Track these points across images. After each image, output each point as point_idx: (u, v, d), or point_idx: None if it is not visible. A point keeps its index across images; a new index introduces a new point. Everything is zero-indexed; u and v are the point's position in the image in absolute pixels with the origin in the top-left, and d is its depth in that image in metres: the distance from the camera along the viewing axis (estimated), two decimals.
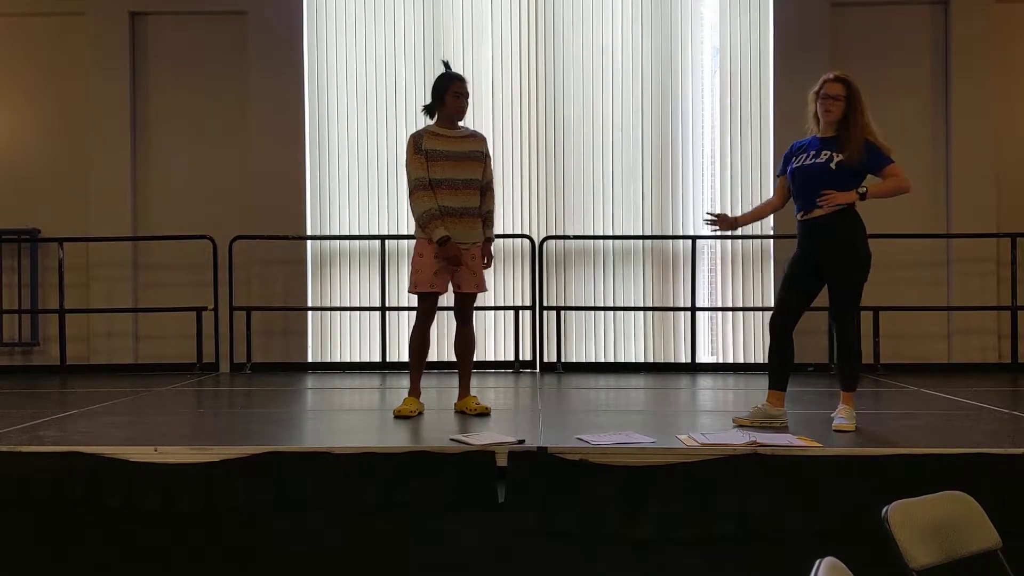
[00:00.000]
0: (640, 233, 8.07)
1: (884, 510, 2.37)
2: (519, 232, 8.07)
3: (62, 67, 8.25)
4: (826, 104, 4.44)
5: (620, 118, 8.13)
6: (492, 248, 5.17)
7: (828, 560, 1.93)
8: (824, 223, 4.43)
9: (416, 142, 4.95)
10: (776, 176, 4.59)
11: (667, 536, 3.71)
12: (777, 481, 3.74)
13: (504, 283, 8.12)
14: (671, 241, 8.09)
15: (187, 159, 8.20)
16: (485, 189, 5.11)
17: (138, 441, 4.19)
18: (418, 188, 4.88)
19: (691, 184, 8.13)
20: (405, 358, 7.99)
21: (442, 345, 7.84)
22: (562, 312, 7.93)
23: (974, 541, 2.46)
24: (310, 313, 8.15)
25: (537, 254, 7.85)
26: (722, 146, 8.09)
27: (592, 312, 8.08)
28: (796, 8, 7.95)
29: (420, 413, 5.02)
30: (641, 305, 8.09)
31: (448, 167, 4.92)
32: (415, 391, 5.11)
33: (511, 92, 8.15)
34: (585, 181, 8.14)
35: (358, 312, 8.09)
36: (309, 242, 8.14)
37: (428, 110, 5.11)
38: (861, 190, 4.39)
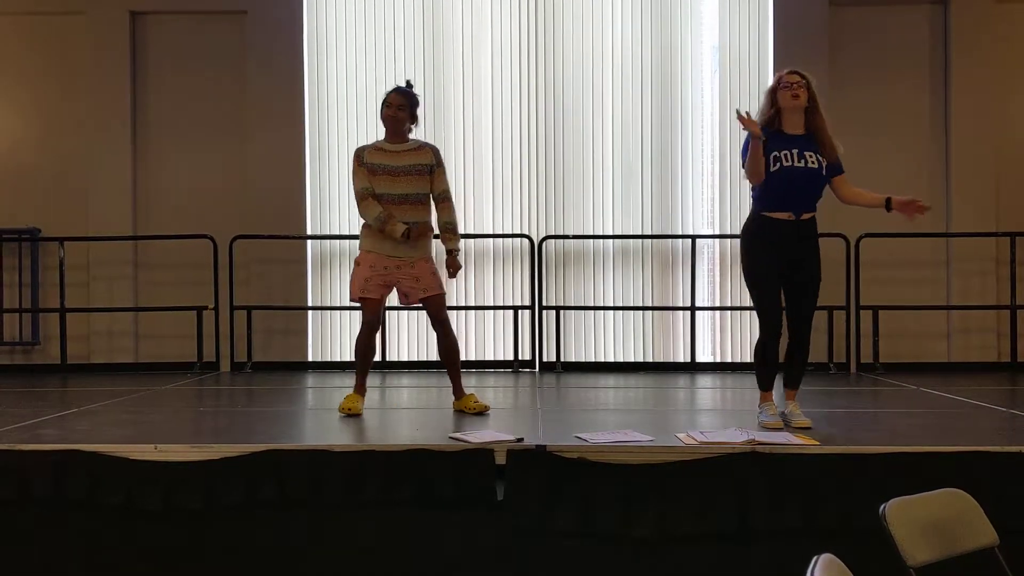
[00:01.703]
0: (639, 232, 8.08)
1: (882, 508, 2.38)
2: (518, 232, 8.08)
3: (62, 66, 8.25)
4: (794, 90, 4.39)
5: (620, 117, 8.13)
6: (461, 258, 5.19)
7: (825, 557, 1.94)
8: (808, 224, 4.45)
9: (359, 155, 5.08)
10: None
11: (666, 534, 3.71)
12: (775, 479, 3.75)
13: (503, 283, 8.13)
14: (670, 240, 8.09)
15: (187, 158, 8.20)
16: (439, 200, 5.14)
17: (138, 439, 4.19)
18: (363, 197, 5.00)
19: (691, 183, 8.14)
20: (404, 357, 8.05)
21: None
22: (561, 311, 7.93)
23: (972, 539, 2.46)
24: (310, 312, 8.15)
25: (536, 253, 7.86)
26: (722, 145, 8.10)
27: (591, 311, 8.08)
28: (795, 7, 7.96)
29: (359, 414, 5.00)
30: (640, 304, 8.09)
31: (385, 181, 4.99)
32: (360, 389, 5.12)
33: (510, 91, 8.16)
34: (584, 180, 8.15)
35: (358, 311, 8.07)
36: (309, 241, 8.15)
37: None
38: (888, 199, 4.54)
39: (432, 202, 5.15)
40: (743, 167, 4.52)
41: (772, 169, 4.41)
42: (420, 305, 5.16)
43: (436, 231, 5.21)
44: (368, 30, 8.20)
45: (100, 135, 8.14)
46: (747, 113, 4.39)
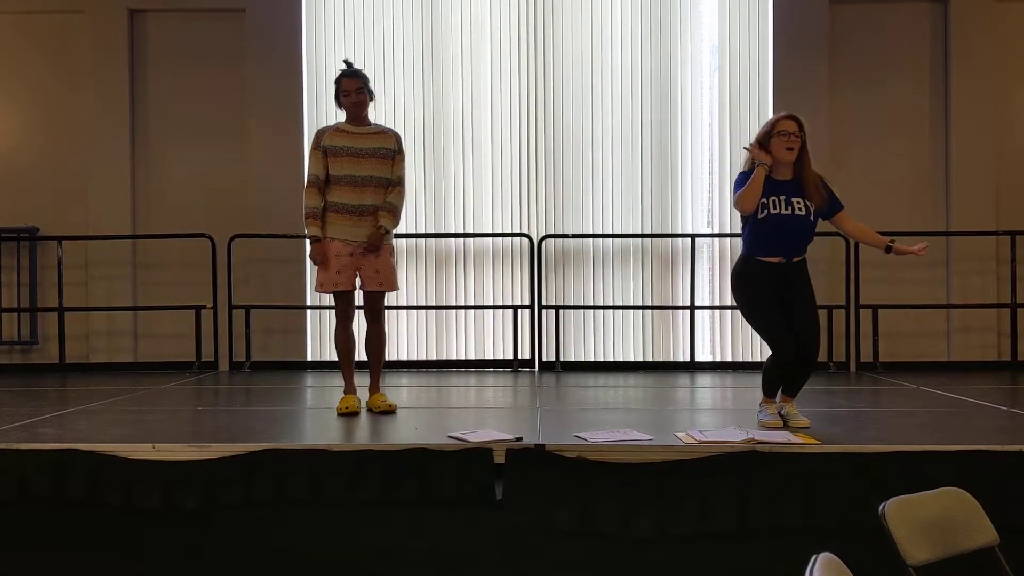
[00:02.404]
0: (639, 231, 8.07)
1: (882, 507, 2.37)
2: (518, 231, 8.07)
3: (61, 64, 8.24)
4: (789, 141, 4.35)
5: (619, 116, 8.13)
6: (390, 240, 5.13)
7: (825, 556, 1.93)
8: (799, 264, 4.49)
9: (317, 139, 5.07)
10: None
11: (665, 534, 3.71)
12: (775, 478, 3.75)
13: (503, 282, 8.13)
14: (670, 239, 8.09)
15: (186, 156, 8.20)
16: (392, 183, 5.07)
17: (137, 439, 4.19)
18: (309, 183, 5.03)
19: (690, 182, 8.13)
20: (403, 356, 8.03)
21: (441, 345, 7.84)
22: (561, 311, 7.92)
23: (972, 538, 2.46)
24: (309, 311, 8.14)
25: (536, 253, 7.85)
26: (721, 144, 8.09)
27: (591, 311, 8.08)
28: (795, 6, 7.95)
29: (357, 412, 4.99)
30: (640, 304, 8.09)
31: (348, 163, 4.98)
32: (350, 388, 5.13)
33: (510, 90, 8.15)
34: (584, 179, 8.14)
35: (357, 310, 8.07)
36: (308, 240, 8.12)
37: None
38: (889, 245, 4.53)
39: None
40: (734, 196, 4.51)
41: (759, 216, 4.41)
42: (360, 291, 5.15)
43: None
44: (367, 28, 8.19)
45: (99, 134, 8.13)
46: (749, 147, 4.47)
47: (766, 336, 4.50)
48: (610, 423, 4.57)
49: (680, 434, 4.16)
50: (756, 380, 6.21)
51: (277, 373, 7.52)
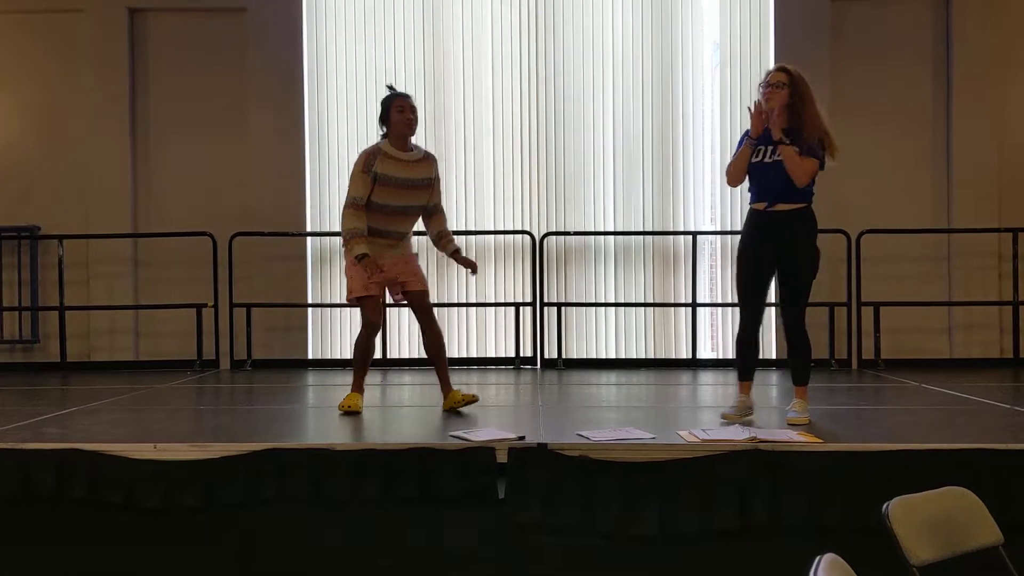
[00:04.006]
0: (641, 229, 8.06)
1: (885, 506, 2.36)
2: (519, 228, 8.06)
3: (62, 64, 8.23)
4: (768, 92, 4.44)
5: (620, 114, 8.11)
6: (465, 249, 5.28)
7: (828, 556, 1.92)
8: (787, 216, 4.45)
9: (368, 162, 4.90)
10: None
11: (667, 532, 3.70)
12: (778, 477, 3.74)
13: (504, 279, 8.12)
14: (672, 237, 8.08)
15: (187, 155, 8.19)
16: (434, 211, 5.13)
17: (138, 438, 4.19)
18: (352, 205, 4.90)
19: (692, 180, 8.11)
20: (406, 354, 8.03)
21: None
22: (563, 308, 7.92)
23: (975, 537, 2.45)
24: (310, 309, 8.14)
25: (537, 250, 7.84)
26: (723, 141, 8.07)
27: (593, 308, 8.07)
28: (797, 2, 7.93)
29: (360, 412, 4.99)
30: (642, 301, 8.08)
31: (394, 194, 4.92)
32: (359, 388, 5.09)
33: (511, 88, 8.14)
34: (585, 177, 8.13)
35: (358, 309, 8.07)
36: (309, 238, 8.13)
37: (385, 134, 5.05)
38: (784, 141, 4.39)
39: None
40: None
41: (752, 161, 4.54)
42: (401, 300, 5.17)
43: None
44: (368, 27, 8.18)
45: (99, 133, 8.12)
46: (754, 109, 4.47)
47: (736, 292, 4.68)
48: (612, 421, 4.56)
49: (682, 433, 4.15)
50: (759, 378, 6.20)
51: (279, 372, 7.52)
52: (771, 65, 7.89)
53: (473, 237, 8.02)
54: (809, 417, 4.48)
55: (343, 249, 5.07)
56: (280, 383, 6.77)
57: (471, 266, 5.15)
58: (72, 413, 5.14)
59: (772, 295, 5.07)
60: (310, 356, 8.09)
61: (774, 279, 4.61)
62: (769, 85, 4.45)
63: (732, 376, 7.08)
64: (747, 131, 4.53)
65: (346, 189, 5.01)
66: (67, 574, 3.93)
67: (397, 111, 4.93)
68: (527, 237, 7.98)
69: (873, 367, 7.45)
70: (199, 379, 7.10)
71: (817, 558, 1.91)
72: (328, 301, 8.14)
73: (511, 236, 8.08)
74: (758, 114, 4.45)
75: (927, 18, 8.07)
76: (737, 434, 4.04)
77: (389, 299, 5.28)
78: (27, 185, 8.20)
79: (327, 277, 8.19)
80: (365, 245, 4.85)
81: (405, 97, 5.00)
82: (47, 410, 5.20)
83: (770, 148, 4.46)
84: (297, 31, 8.09)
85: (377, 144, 5.01)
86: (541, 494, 3.77)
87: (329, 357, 8.06)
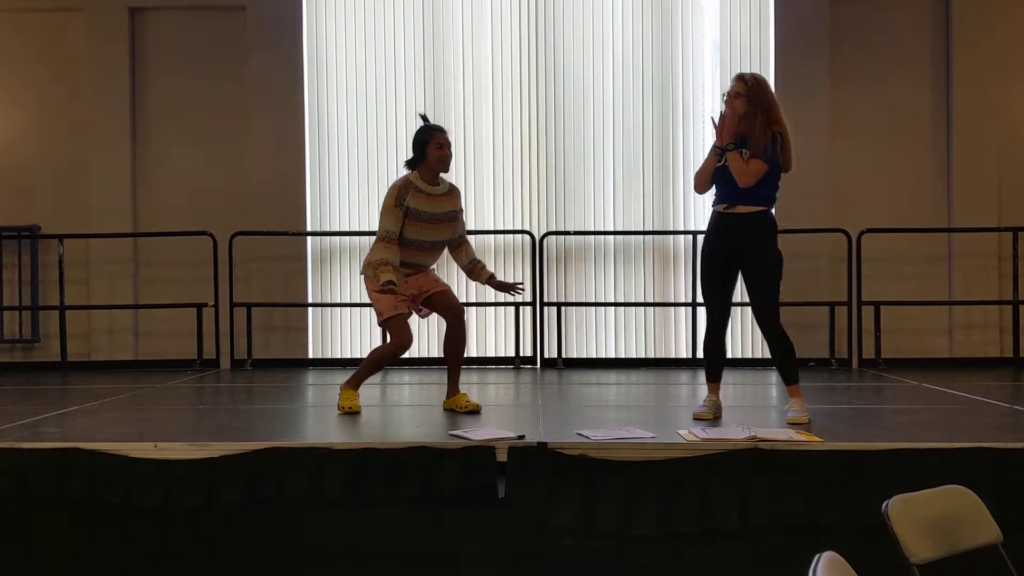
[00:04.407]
0: (640, 228, 8.06)
1: (884, 505, 2.36)
2: (519, 228, 8.06)
3: (61, 62, 8.23)
4: (728, 100, 4.53)
5: (620, 113, 8.11)
6: (492, 268, 5.34)
7: (828, 554, 1.92)
8: (744, 218, 4.51)
9: (400, 196, 4.84)
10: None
11: (667, 531, 3.70)
12: (777, 476, 3.74)
13: (504, 279, 8.08)
14: (672, 236, 8.08)
15: (187, 154, 8.19)
16: (460, 242, 5.13)
17: (138, 437, 4.19)
18: (386, 239, 4.83)
19: (691, 179, 8.07)
20: (405, 354, 7.98)
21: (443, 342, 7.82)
22: (562, 308, 7.92)
23: (975, 535, 2.45)
24: (310, 309, 8.14)
25: (537, 250, 7.84)
26: None
27: (592, 308, 8.07)
28: (796, 2, 7.93)
29: (358, 411, 4.96)
30: (642, 301, 8.08)
31: (424, 229, 4.89)
32: (355, 386, 5.04)
33: (511, 87, 8.14)
34: (585, 177, 8.13)
35: (358, 308, 8.08)
36: (309, 238, 8.14)
37: (410, 164, 4.96)
38: (730, 147, 4.47)
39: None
40: None
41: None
42: (426, 313, 5.18)
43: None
44: (368, 25, 8.17)
45: (99, 132, 8.13)
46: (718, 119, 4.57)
47: (706, 297, 4.75)
48: (612, 420, 4.57)
49: (682, 432, 4.15)
50: (758, 378, 6.21)
51: (279, 371, 7.52)
52: (771, 65, 7.96)
53: (473, 237, 7.99)
54: (809, 416, 4.49)
55: (364, 277, 5.00)
56: (280, 382, 6.77)
57: (512, 289, 5.12)
58: (72, 412, 5.14)
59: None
60: (310, 356, 8.09)
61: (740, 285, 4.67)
62: (728, 95, 4.53)
63: (732, 376, 7.10)
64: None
65: (377, 219, 4.96)
66: (66, 574, 3.93)
67: (436, 147, 4.86)
68: (527, 237, 7.98)
69: (873, 366, 7.45)
70: (199, 378, 7.10)
71: (816, 556, 1.91)
72: (328, 301, 8.14)
73: (511, 236, 8.09)
74: (721, 124, 4.53)
75: (927, 17, 8.07)
76: (737, 433, 4.04)
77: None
78: (27, 184, 8.20)
79: (327, 276, 8.19)
80: (393, 273, 4.79)
81: (443, 132, 4.94)
82: (47, 409, 5.20)
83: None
84: (297, 30, 8.09)
85: (406, 177, 4.92)
86: (541, 493, 3.77)
87: (329, 357, 8.06)
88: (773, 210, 4.60)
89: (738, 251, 4.54)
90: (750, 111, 4.46)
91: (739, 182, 4.46)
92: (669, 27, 8.10)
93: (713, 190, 4.68)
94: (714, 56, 8.16)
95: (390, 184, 5.03)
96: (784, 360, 4.58)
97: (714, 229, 4.64)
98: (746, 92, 4.47)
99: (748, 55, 8.06)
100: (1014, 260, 7.63)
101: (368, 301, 7.86)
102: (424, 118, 5.05)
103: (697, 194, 4.84)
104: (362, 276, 5.05)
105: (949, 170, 8.01)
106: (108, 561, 3.90)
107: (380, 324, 5.06)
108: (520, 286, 5.21)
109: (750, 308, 4.71)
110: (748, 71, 4.69)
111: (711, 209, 4.68)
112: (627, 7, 8.11)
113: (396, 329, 4.93)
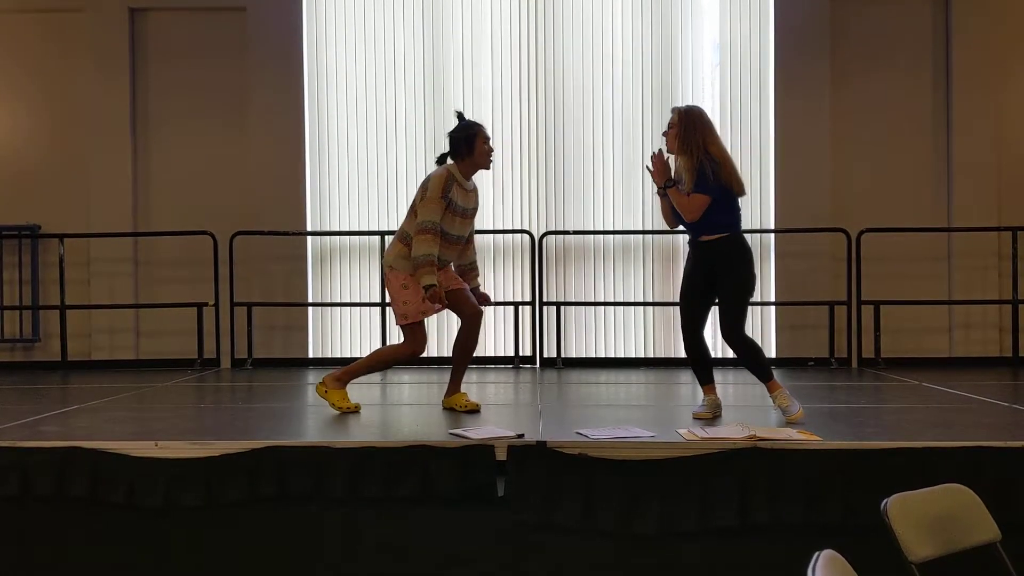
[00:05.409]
0: (640, 228, 8.07)
1: (884, 503, 2.37)
2: (519, 227, 8.07)
3: (62, 63, 8.24)
4: (665, 135, 4.64)
5: (620, 113, 8.12)
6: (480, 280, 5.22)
7: (827, 553, 1.93)
8: (710, 245, 4.60)
9: (446, 187, 4.78)
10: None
11: (667, 530, 3.71)
12: (777, 475, 3.74)
13: (504, 279, 8.12)
14: (671, 236, 8.07)
15: (187, 155, 8.19)
16: (468, 241, 5.13)
17: (139, 436, 4.19)
18: (430, 231, 4.75)
19: None
20: None
21: (442, 342, 7.84)
22: (562, 307, 7.92)
23: (974, 534, 2.46)
24: (310, 309, 8.15)
25: (537, 249, 7.85)
26: (722, 140, 8.06)
27: (592, 307, 8.07)
28: (796, 2, 7.94)
29: (358, 411, 4.96)
30: (641, 300, 8.08)
31: (457, 223, 4.88)
32: (344, 383, 5.01)
33: (511, 87, 8.14)
34: (585, 176, 8.14)
35: (358, 308, 8.09)
36: (309, 238, 8.14)
37: (449, 157, 4.92)
38: (669, 184, 4.59)
39: None
40: None
41: None
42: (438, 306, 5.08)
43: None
44: (368, 25, 8.18)
45: (100, 132, 8.13)
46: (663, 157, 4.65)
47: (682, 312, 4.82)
48: (612, 420, 4.57)
49: (682, 431, 4.15)
50: (755, 377, 6.17)
51: (279, 370, 7.53)
52: (771, 65, 7.97)
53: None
54: (801, 408, 4.49)
55: (389, 270, 4.91)
56: (280, 382, 6.77)
57: (486, 301, 5.12)
58: (73, 411, 5.15)
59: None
60: (310, 355, 8.10)
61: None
62: (666, 130, 4.62)
63: (732, 375, 7.11)
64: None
65: (407, 211, 4.92)
66: (67, 573, 3.93)
67: (483, 142, 4.88)
68: (526, 236, 7.98)
69: (873, 366, 7.46)
70: (200, 378, 7.11)
71: (816, 554, 1.92)
72: (328, 300, 8.15)
73: (511, 235, 8.09)
74: (655, 165, 4.61)
75: (927, 18, 8.07)
76: (736, 432, 4.05)
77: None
78: (28, 184, 8.21)
79: (327, 276, 8.20)
80: (434, 275, 4.74)
81: (485, 129, 4.96)
82: (48, 408, 5.21)
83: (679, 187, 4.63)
84: (297, 30, 8.09)
85: (447, 169, 4.88)
86: (540, 492, 3.78)
87: (329, 356, 8.06)
88: (739, 232, 4.64)
89: (711, 276, 4.62)
90: (683, 144, 4.54)
91: (685, 217, 4.59)
92: (669, 27, 8.10)
93: (747, 186, 4.81)
94: (714, 56, 8.16)
95: (429, 175, 4.89)
96: (753, 363, 4.63)
97: (689, 256, 4.76)
98: (678, 122, 4.56)
99: (748, 55, 8.07)
100: (1014, 260, 7.64)
101: (370, 301, 7.88)
102: (461, 116, 5.02)
103: (669, 226, 4.91)
104: (387, 270, 4.94)
105: (949, 170, 8.02)
106: (108, 560, 3.91)
107: (400, 324, 4.96)
108: (488, 302, 5.19)
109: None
110: (683, 104, 4.75)
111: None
112: (627, 7, 8.11)
113: (416, 334, 4.89)
